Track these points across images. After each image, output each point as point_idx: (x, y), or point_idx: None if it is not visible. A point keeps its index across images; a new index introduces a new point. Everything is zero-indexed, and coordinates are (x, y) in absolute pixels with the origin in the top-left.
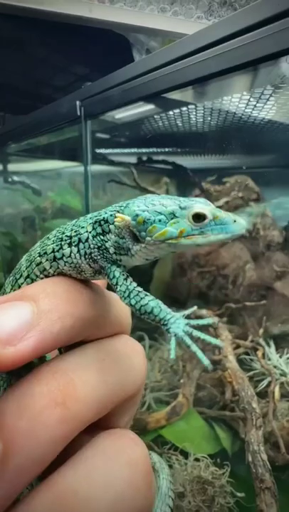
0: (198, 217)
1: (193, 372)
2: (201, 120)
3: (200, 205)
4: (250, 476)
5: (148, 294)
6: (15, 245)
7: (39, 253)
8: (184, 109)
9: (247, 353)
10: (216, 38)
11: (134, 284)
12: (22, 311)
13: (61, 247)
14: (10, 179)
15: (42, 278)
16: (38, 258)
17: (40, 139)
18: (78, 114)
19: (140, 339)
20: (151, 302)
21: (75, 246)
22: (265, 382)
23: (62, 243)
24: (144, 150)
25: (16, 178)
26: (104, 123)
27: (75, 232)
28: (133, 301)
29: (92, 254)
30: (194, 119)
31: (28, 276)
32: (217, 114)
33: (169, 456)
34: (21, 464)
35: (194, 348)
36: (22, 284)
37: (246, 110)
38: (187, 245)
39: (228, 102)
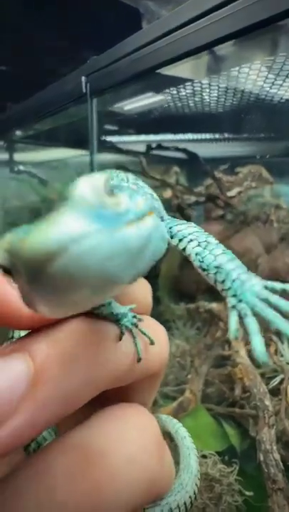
0: None
1: (201, 367)
2: (215, 101)
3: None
4: (258, 475)
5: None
6: None
7: None
8: (197, 88)
9: None
10: None
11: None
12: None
13: None
14: (16, 169)
15: None
16: None
17: (45, 124)
18: (84, 91)
19: None
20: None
21: None
22: (277, 380)
23: None
24: (153, 137)
25: (22, 168)
26: (111, 114)
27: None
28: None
29: None
30: (208, 99)
31: None
32: (232, 94)
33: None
34: (50, 394)
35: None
36: None
37: (264, 87)
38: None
39: (245, 76)
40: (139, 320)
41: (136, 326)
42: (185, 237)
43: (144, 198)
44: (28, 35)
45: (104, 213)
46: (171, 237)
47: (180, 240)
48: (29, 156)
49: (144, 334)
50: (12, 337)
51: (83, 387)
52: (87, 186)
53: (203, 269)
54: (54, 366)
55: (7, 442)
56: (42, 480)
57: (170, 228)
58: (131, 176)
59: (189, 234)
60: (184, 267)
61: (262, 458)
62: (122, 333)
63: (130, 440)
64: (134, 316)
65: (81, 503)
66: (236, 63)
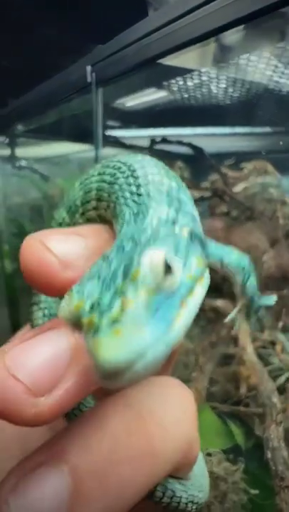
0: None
1: (206, 365)
2: (222, 93)
3: (82, 284)
4: (264, 473)
5: None
6: (22, 233)
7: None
8: (204, 78)
9: (264, 347)
10: None
11: None
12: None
13: None
14: (18, 164)
15: None
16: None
17: (48, 117)
18: (89, 80)
19: None
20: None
21: None
22: (283, 378)
23: None
24: (157, 131)
25: (24, 164)
26: (114, 107)
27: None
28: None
29: None
30: (214, 90)
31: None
32: (239, 84)
33: None
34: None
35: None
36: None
37: (273, 77)
38: None
39: (253, 66)
40: None
41: None
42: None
43: (198, 256)
44: (28, 25)
45: (160, 302)
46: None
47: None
48: (31, 151)
49: None
50: (37, 302)
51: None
52: (152, 269)
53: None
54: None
55: (59, 404)
56: (102, 429)
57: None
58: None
59: (239, 259)
60: None
61: (269, 455)
62: None
63: (176, 405)
64: None
65: (137, 451)
66: (244, 52)
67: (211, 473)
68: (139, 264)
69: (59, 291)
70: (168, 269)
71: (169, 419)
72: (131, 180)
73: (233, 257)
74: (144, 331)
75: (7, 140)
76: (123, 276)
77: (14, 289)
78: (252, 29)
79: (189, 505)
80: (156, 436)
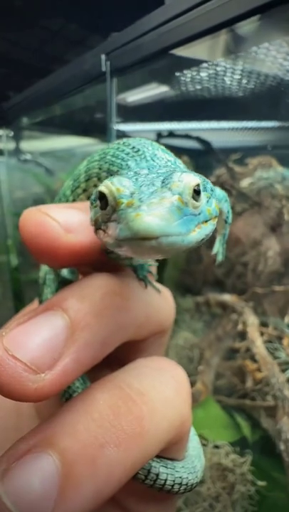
0: (101, 199)
1: (212, 359)
2: (236, 84)
3: (118, 178)
4: (271, 465)
5: None
6: None
7: (96, 176)
8: (212, 70)
9: (270, 341)
10: None
11: None
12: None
13: None
14: (23, 158)
15: None
16: (95, 179)
17: (54, 110)
18: (103, 69)
19: None
20: None
21: None
22: None
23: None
24: (163, 126)
25: (28, 157)
26: (123, 107)
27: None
28: None
29: None
30: (228, 81)
31: (85, 190)
32: (252, 76)
33: None
34: (87, 338)
35: None
36: (80, 194)
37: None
38: (101, 241)
39: (264, 57)
40: (150, 272)
41: (147, 277)
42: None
43: (216, 200)
44: (33, 18)
45: (187, 213)
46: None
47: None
48: (36, 144)
49: (152, 285)
50: (42, 279)
51: (115, 331)
52: (186, 186)
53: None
54: (87, 316)
55: (59, 379)
56: (89, 412)
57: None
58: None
59: (224, 196)
60: (190, 261)
61: (283, 447)
62: (145, 283)
63: (167, 384)
64: (148, 270)
65: (126, 432)
66: (256, 43)
67: (219, 465)
68: (180, 180)
69: (63, 258)
70: (197, 193)
71: (160, 399)
72: (130, 151)
73: (219, 191)
74: (173, 222)
75: (12, 133)
76: (161, 184)
77: (19, 282)
78: (264, 19)
79: (176, 486)
80: (145, 417)
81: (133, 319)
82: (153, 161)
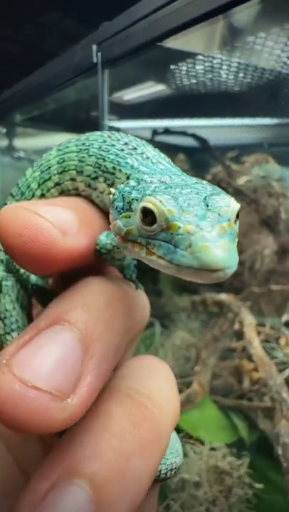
0: (146, 216)
1: (209, 359)
2: (232, 79)
3: (165, 197)
4: (268, 467)
5: None
6: None
7: (75, 169)
8: (208, 64)
9: (267, 341)
10: None
11: None
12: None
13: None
14: (16, 155)
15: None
16: (74, 172)
17: (47, 106)
18: (95, 61)
19: (150, 326)
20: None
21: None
22: (288, 371)
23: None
24: (158, 123)
25: (22, 155)
26: (116, 105)
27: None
28: None
29: None
30: (224, 75)
31: (58, 184)
32: (249, 70)
33: (182, 444)
34: (103, 349)
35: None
36: (51, 188)
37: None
38: (133, 255)
39: (261, 45)
40: (134, 272)
41: (133, 276)
42: None
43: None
44: (24, 12)
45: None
46: None
47: None
48: (30, 142)
49: (138, 284)
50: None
51: (124, 336)
52: (233, 212)
53: None
54: (98, 327)
55: (86, 400)
56: (109, 428)
57: None
58: None
59: None
60: None
61: (280, 452)
62: (136, 285)
63: (163, 381)
64: (134, 269)
65: (145, 439)
66: (253, 32)
67: (216, 468)
68: (227, 206)
69: (59, 265)
70: (238, 217)
71: (163, 398)
72: (123, 147)
73: None
74: (234, 252)
75: (4, 130)
76: (205, 206)
77: None
78: (258, 8)
79: (168, 473)
80: (158, 419)
81: (134, 322)
82: (160, 163)
